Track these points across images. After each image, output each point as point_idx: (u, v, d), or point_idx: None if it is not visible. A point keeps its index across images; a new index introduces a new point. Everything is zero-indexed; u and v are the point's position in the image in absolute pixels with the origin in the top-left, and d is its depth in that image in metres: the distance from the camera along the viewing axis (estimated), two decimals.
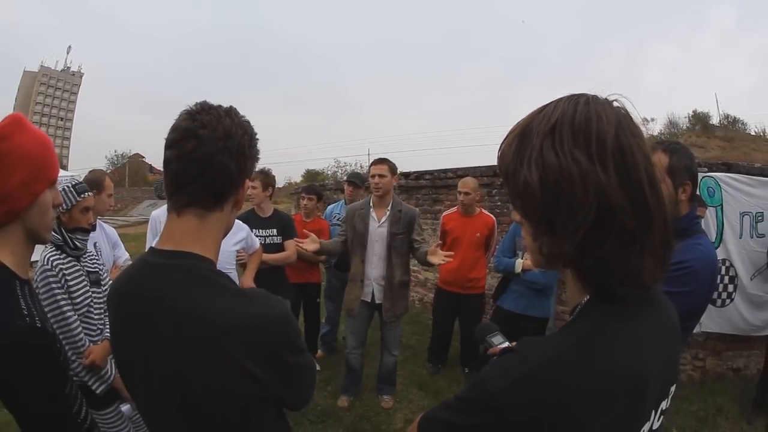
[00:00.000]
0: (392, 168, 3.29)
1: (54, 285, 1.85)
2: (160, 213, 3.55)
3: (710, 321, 3.67)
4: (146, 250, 0.91)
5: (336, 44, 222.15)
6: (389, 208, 3.26)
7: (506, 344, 1.58)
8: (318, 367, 4.13)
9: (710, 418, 3.17)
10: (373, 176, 3.22)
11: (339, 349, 4.56)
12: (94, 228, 2.25)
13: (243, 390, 0.77)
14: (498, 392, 0.57)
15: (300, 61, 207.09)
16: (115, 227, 3.20)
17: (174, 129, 0.85)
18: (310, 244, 3.13)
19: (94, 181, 2.58)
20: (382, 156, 3.47)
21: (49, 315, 1.65)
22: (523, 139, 0.63)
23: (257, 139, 0.92)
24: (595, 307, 0.63)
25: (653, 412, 0.65)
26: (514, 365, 0.58)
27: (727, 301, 3.76)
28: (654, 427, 0.66)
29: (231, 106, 0.89)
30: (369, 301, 3.33)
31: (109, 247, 2.74)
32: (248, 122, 0.90)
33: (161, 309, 0.79)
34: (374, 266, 3.27)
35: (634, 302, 0.63)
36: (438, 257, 2.97)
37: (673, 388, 0.70)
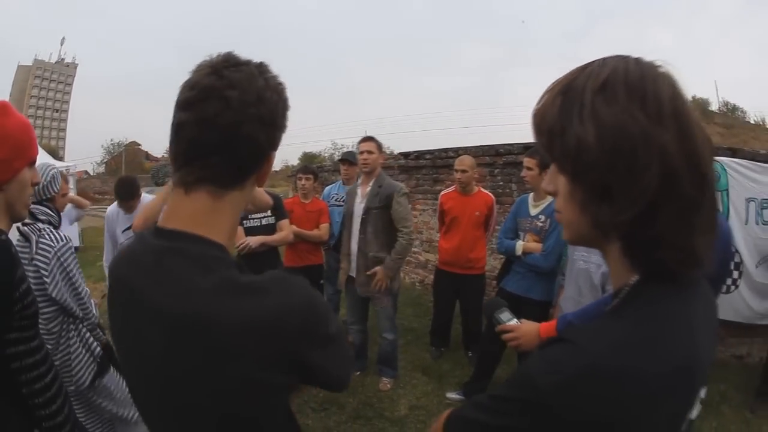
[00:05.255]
0: (379, 145, 3.34)
1: (76, 261, 1.87)
2: (112, 211, 3.38)
3: None
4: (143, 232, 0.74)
5: (332, 27, 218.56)
6: (371, 184, 3.29)
7: (515, 321, 1.54)
8: None
9: (714, 404, 3.13)
10: (361, 153, 3.27)
11: None
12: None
13: (252, 400, 0.63)
14: (551, 389, 0.50)
15: (294, 44, 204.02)
16: None
17: (192, 86, 0.66)
18: None
19: None
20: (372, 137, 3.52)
21: (76, 291, 1.81)
22: (568, 96, 0.57)
23: (290, 106, 0.73)
24: (648, 288, 0.57)
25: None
26: (570, 357, 0.51)
27: (732, 288, 3.71)
28: (692, 417, 0.60)
29: (263, 62, 0.71)
30: (353, 276, 3.36)
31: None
32: (283, 84, 0.72)
33: (153, 303, 0.64)
34: (354, 240, 3.34)
35: (685, 281, 0.57)
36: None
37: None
